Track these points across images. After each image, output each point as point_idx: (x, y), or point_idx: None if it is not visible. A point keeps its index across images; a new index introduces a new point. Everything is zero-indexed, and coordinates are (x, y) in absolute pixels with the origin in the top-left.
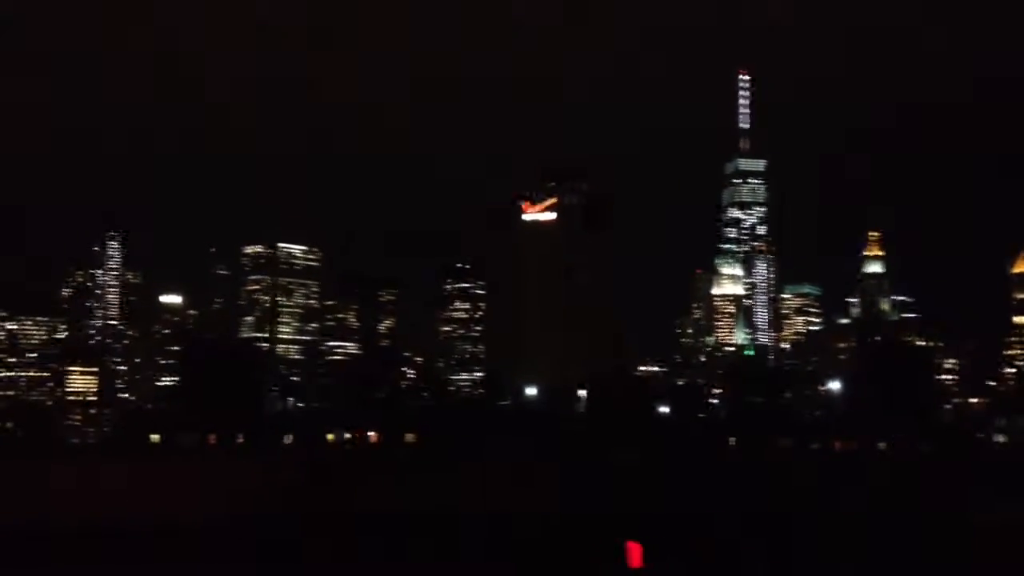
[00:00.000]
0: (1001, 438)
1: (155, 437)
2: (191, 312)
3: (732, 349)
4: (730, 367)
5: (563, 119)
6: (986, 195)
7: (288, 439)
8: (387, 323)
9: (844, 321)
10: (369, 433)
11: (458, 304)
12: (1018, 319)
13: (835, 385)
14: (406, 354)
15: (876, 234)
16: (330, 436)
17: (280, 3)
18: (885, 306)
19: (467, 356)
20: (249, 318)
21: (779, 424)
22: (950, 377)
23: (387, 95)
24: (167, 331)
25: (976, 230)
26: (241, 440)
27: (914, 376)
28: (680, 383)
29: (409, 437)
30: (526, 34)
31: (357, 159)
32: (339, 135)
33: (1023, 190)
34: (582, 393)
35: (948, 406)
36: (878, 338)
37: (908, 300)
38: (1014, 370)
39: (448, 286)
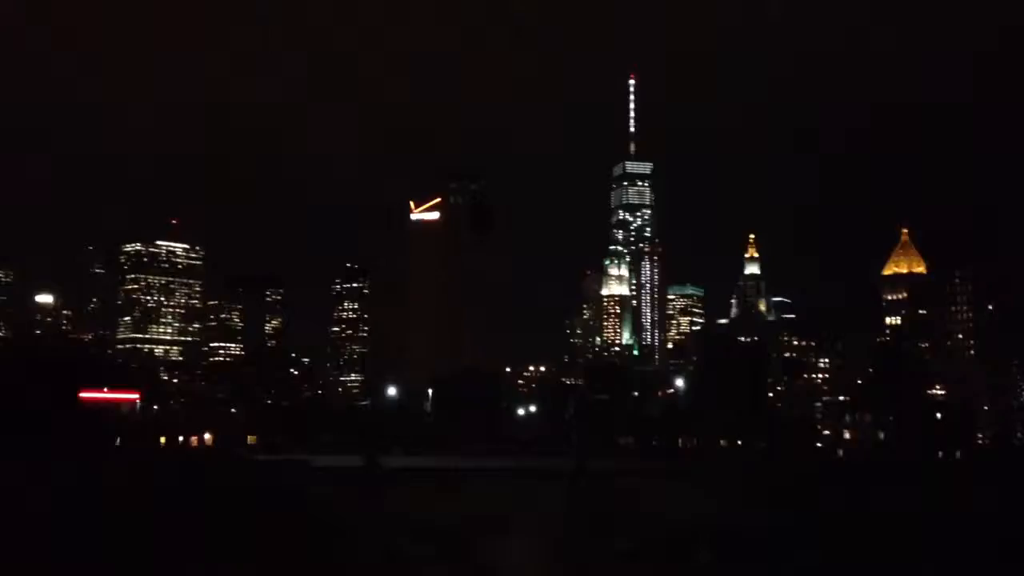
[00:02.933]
0: (847, 434)
1: None
2: (65, 312)
3: (618, 349)
4: (587, 366)
5: (462, 121)
6: (860, 197)
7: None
8: (274, 323)
9: (723, 321)
10: (206, 435)
11: (348, 304)
12: (889, 319)
13: (679, 383)
14: (293, 355)
15: (752, 236)
16: (162, 439)
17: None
18: (762, 306)
19: (355, 356)
20: (127, 318)
21: (619, 420)
22: (821, 376)
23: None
24: (39, 332)
25: (850, 232)
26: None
27: (748, 374)
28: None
29: (251, 439)
30: (428, 37)
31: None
32: (236, 135)
33: (897, 192)
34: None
35: (818, 404)
36: (756, 337)
37: (786, 301)
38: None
39: (338, 286)
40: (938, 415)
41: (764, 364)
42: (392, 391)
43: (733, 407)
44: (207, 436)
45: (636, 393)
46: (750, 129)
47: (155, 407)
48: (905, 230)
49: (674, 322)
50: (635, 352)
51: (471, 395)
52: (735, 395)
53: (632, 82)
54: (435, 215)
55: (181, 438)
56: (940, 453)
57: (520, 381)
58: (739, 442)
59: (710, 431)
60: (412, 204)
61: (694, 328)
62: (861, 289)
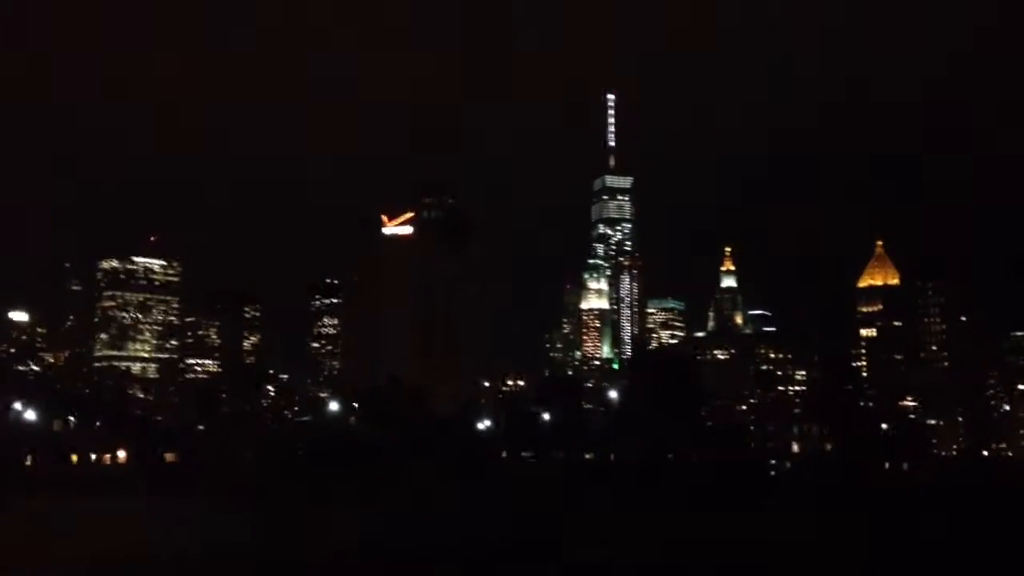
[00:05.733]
0: (796, 447)
1: None
2: (40, 330)
3: (598, 363)
4: (536, 380)
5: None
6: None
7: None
8: (252, 340)
9: (700, 334)
10: (119, 453)
11: (327, 320)
12: (864, 332)
13: (613, 394)
14: (271, 372)
15: (729, 249)
16: (74, 457)
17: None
18: (739, 319)
19: (335, 372)
20: (103, 335)
21: (553, 434)
22: (794, 389)
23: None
24: (13, 350)
25: (826, 244)
26: None
27: (681, 385)
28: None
29: (169, 456)
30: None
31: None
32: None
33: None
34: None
35: None
36: (732, 350)
37: (766, 314)
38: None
39: (317, 302)
40: (883, 426)
41: (692, 375)
42: (334, 406)
43: (662, 419)
44: (120, 453)
45: (588, 406)
46: (744, 133)
47: (97, 424)
48: (880, 242)
49: (655, 336)
50: (615, 366)
51: (396, 409)
52: (665, 407)
53: (611, 97)
54: (408, 229)
55: (94, 456)
56: (887, 465)
57: (500, 395)
58: (669, 455)
59: (639, 443)
60: (385, 218)
61: (673, 342)
62: (839, 301)
